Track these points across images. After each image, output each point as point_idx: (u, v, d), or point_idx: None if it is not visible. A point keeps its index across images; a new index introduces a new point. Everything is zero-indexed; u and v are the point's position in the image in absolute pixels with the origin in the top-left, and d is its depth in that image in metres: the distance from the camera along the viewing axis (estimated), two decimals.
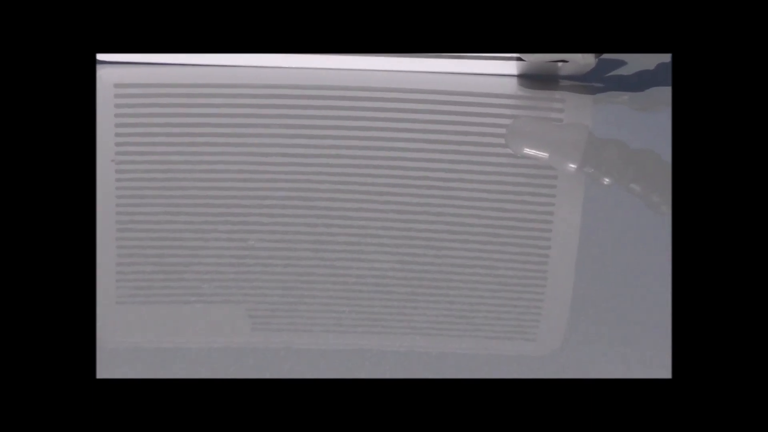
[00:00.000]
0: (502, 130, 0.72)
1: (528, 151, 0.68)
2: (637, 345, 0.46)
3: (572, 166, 0.66)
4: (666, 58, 0.78)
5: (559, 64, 0.77)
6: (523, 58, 0.76)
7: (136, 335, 0.47)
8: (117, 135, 0.65)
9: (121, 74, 0.64)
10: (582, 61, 0.75)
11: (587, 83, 0.77)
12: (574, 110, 0.75)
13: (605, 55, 0.76)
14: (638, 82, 0.76)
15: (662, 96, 0.73)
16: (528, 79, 0.77)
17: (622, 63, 0.78)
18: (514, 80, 0.77)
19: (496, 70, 0.78)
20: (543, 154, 0.67)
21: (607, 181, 0.62)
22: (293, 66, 0.76)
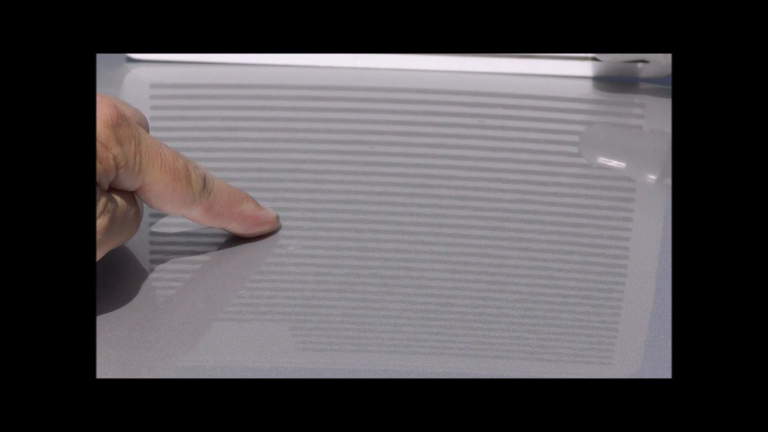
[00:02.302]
0: (576, 138, 0.68)
1: (603, 160, 0.64)
2: None
3: (652, 177, 0.63)
4: None
5: (639, 65, 0.75)
6: (599, 58, 0.75)
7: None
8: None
9: (156, 73, 0.61)
10: (664, 61, 0.72)
11: (670, 86, 0.74)
12: (655, 116, 0.71)
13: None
14: None
15: None
16: (604, 81, 0.75)
17: None
18: (589, 82, 0.75)
19: (569, 71, 0.76)
20: (620, 164, 0.64)
21: None
22: (342, 66, 0.76)
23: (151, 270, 0.52)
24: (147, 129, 0.54)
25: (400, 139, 0.65)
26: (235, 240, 0.54)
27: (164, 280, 0.51)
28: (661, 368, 0.45)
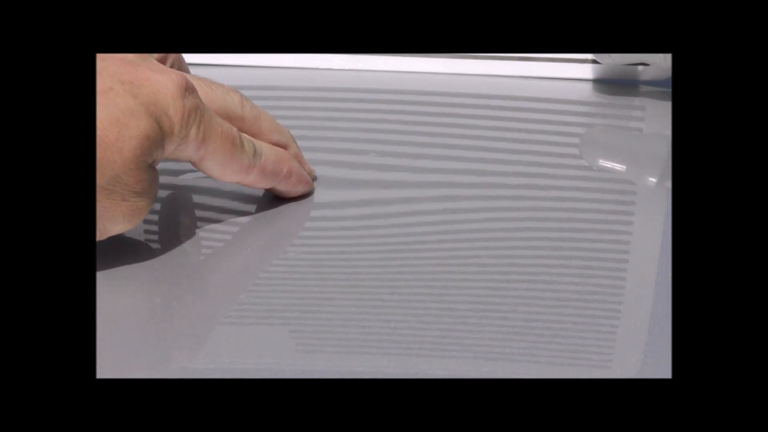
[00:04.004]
0: (576, 140, 0.68)
1: (604, 162, 0.64)
2: None
3: (652, 180, 0.62)
4: None
5: (639, 67, 0.74)
6: (598, 60, 0.74)
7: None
8: None
9: None
10: (664, 64, 0.72)
11: (670, 89, 0.73)
12: (655, 119, 0.71)
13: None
14: None
15: None
16: (604, 84, 0.75)
17: None
18: (590, 85, 0.74)
19: (569, 73, 0.75)
20: (620, 167, 0.64)
21: None
22: (342, 68, 0.75)
23: (151, 273, 0.52)
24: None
25: (400, 139, 0.65)
26: (234, 242, 0.54)
27: (164, 283, 0.51)
28: (661, 368, 0.45)
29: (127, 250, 0.53)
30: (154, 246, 0.54)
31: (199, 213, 0.57)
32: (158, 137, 0.48)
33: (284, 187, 0.56)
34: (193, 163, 0.52)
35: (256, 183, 0.54)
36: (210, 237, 0.55)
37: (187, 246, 0.54)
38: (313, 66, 0.75)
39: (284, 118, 0.68)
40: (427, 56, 0.75)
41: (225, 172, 0.53)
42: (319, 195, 0.58)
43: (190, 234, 0.55)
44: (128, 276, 0.51)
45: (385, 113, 0.70)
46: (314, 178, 0.59)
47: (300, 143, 0.58)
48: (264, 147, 0.54)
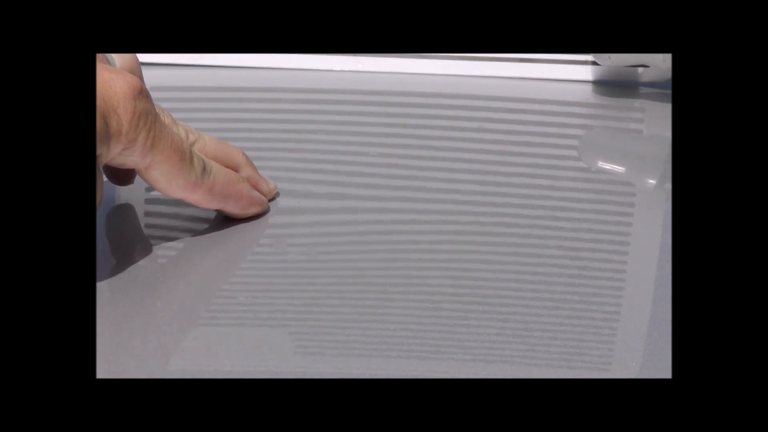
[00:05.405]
0: (575, 142, 0.68)
1: (603, 164, 0.64)
2: None
3: (652, 181, 0.62)
4: None
5: (639, 69, 0.74)
6: (598, 62, 0.74)
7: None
8: None
9: (154, 77, 0.61)
10: (663, 65, 0.71)
11: (670, 91, 0.73)
12: (655, 121, 0.71)
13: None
14: None
15: None
16: (604, 85, 0.75)
17: None
18: (589, 86, 0.74)
19: (569, 75, 0.75)
20: (619, 169, 0.64)
21: None
22: (341, 69, 0.75)
23: (152, 277, 0.51)
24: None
25: (399, 142, 0.65)
26: (236, 248, 0.54)
27: (165, 286, 0.51)
28: (661, 369, 0.45)
29: (127, 253, 0.53)
30: (154, 249, 0.54)
31: (197, 213, 0.57)
32: (102, 132, 0.47)
33: (233, 209, 0.55)
34: (139, 172, 0.51)
35: (203, 203, 0.53)
36: (208, 239, 0.54)
37: (187, 248, 0.54)
38: (313, 67, 0.75)
39: (282, 120, 0.68)
40: (426, 57, 0.75)
41: (170, 185, 0.51)
42: (319, 194, 0.58)
43: (190, 236, 0.55)
44: (128, 278, 0.51)
45: (384, 115, 0.70)
46: (275, 196, 0.58)
47: (295, 142, 0.58)
48: (215, 167, 0.53)
